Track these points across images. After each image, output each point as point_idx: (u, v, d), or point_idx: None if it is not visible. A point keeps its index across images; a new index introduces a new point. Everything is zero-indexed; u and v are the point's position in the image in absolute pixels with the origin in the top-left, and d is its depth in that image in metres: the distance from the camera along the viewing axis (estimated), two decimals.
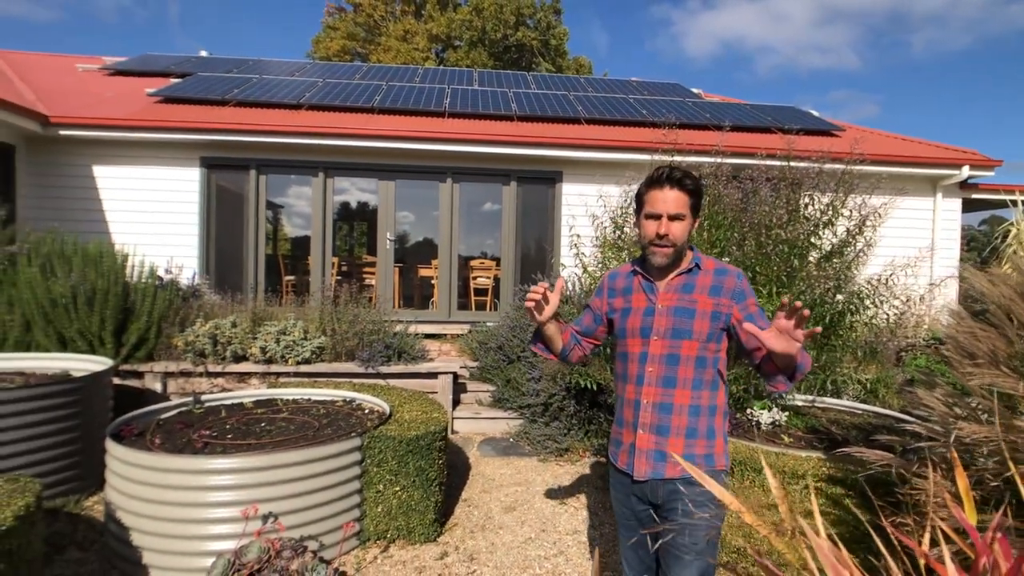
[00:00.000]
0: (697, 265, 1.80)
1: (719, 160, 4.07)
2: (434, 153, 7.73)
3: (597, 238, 4.24)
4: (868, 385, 4.24)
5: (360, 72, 10.91)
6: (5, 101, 6.51)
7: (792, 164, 3.69)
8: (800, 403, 4.18)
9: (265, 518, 2.79)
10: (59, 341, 4.67)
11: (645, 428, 1.76)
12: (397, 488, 3.18)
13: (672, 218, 1.70)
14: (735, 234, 3.46)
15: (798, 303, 1.50)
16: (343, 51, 27.68)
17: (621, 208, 4.16)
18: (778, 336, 1.51)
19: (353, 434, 3.18)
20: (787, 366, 1.60)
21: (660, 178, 1.72)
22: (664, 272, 1.80)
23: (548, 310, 1.80)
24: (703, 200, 3.99)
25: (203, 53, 11.91)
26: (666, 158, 4.04)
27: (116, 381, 4.87)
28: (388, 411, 3.66)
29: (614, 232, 4.18)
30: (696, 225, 1.80)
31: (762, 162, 3.93)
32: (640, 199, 1.79)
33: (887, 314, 3.38)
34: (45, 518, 3.33)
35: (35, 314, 4.58)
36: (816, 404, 4.22)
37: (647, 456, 1.75)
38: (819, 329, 1.52)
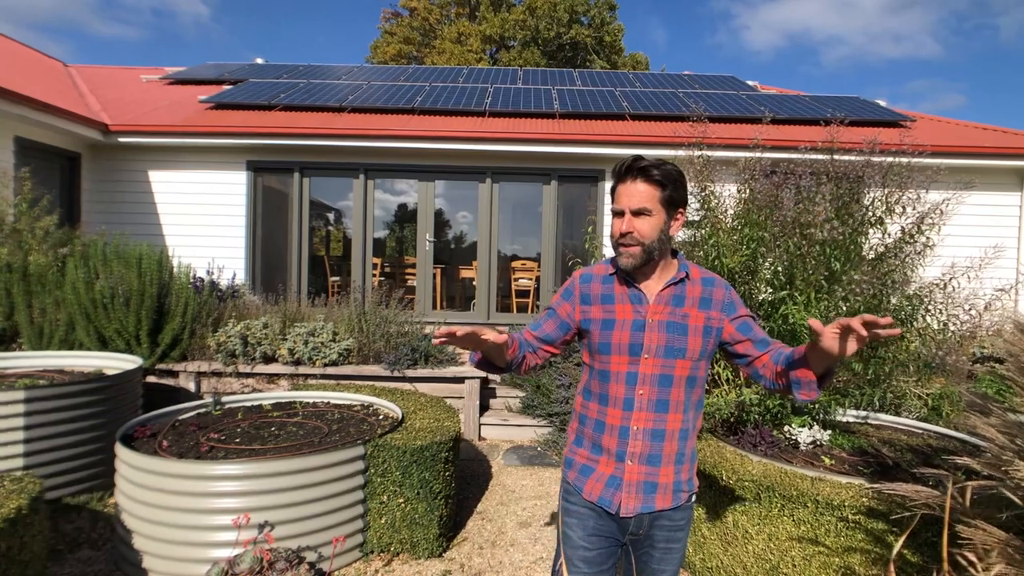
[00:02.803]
0: (687, 274, 1.60)
1: (759, 155, 3.75)
2: (473, 153, 7.63)
3: None
4: (930, 401, 3.80)
5: (405, 74, 10.97)
6: (69, 111, 6.88)
7: (836, 157, 3.33)
8: (851, 419, 3.80)
9: (261, 527, 2.73)
10: (99, 340, 4.84)
11: (635, 459, 1.57)
12: (401, 500, 3.07)
13: (636, 214, 1.50)
14: (767, 233, 3.15)
15: (889, 319, 1.22)
16: (399, 55, 28.19)
17: None
18: (838, 337, 1.31)
19: (357, 442, 3.08)
20: (826, 368, 1.42)
21: (623, 170, 1.52)
22: (650, 279, 1.59)
23: (480, 337, 1.44)
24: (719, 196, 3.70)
25: (259, 60, 12.30)
26: (695, 153, 3.74)
27: (152, 380, 5.02)
28: (400, 417, 3.55)
29: None
30: (680, 223, 1.58)
31: (806, 156, 3.57)
32: (612, 196, 1.59)
33: (945, 323, 2.98)
34: (67, 514, 3.44)
35: (77, 314, 4.76)
36: (869, 421, 3.82)
37: (636, 489, 1.57)
38: (899, 331, 1.25)
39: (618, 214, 1.54)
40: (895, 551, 1.16)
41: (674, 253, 1.65)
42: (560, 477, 1.75)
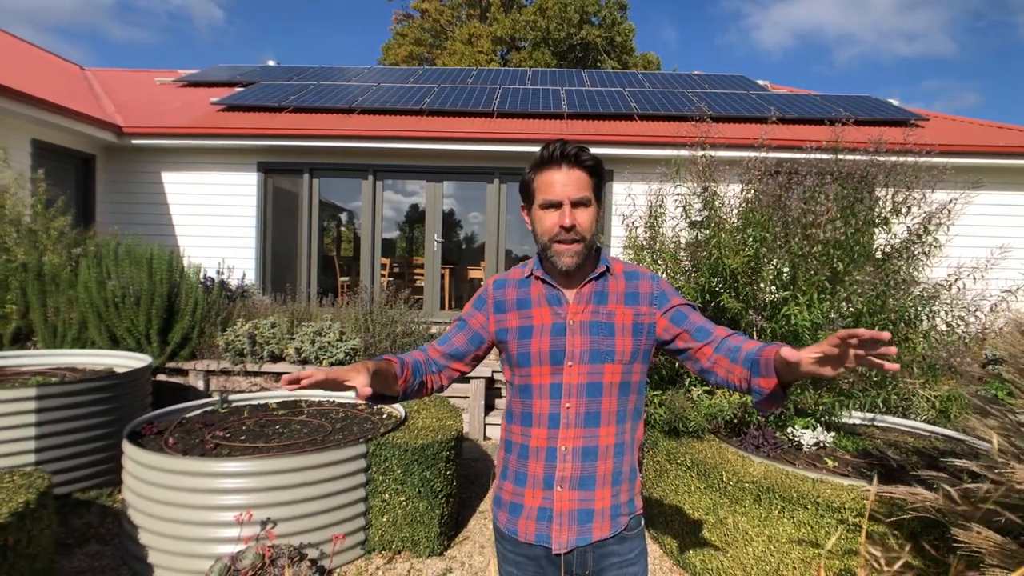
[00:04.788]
0: (608, 268, 1.43)
1: (764, 154, 3.73)
2: (480, 154, 7.66)
3: (629, 238, 3.99)
4: (938, 403, 3.76)
5: (414, 75, 11.03)
6: (83, 114, 7.00)
7: (842, 156, 3.31)
8: (857, 421, 3.77)
9: (263, 524, 2.76)
10: (111, 339, 4.92)
11: (565, 484, 1.36)
12: (402, 498, 3.09)
13: (576, 204, 1.33)
14: (769, 234, 3.13)
15: (886, 335, 0.96)
16: (411, 57, 28.30)
17: (652, 207, 3.88)
18: (822, 362, 1.05)
19: (359, 441, 3.11)
20: (796, 379, 1.17)
21: (553, 156, 1.34)
22: (572, 277, 1.41)
23: (343, 383, 1.15)
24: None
25: (270, 63, 12.42)
26: (699, 153, 3.73)
27: (162, 378, 5.09)
28: (403, 416, 3.58)
29: (646, 232, 3.91)
30: (601, 214, 1.44)
31: (810, 155, 3.55)
32: (528, 188, 1.40)
33: (950, 324, 2.94)
34: (77, 509, 3.50)
35: (89, 313, 4.84)
36: (875, 423, 3.79)
37: (570, 519, 1.36)
38: (893, 350, 0.97)
39: (553, 206, 1.34)
40: (828, 545, 1.16)
41: (597, 249, 1.50)
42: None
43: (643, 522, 1.47)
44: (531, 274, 1.46)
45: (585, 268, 1.42)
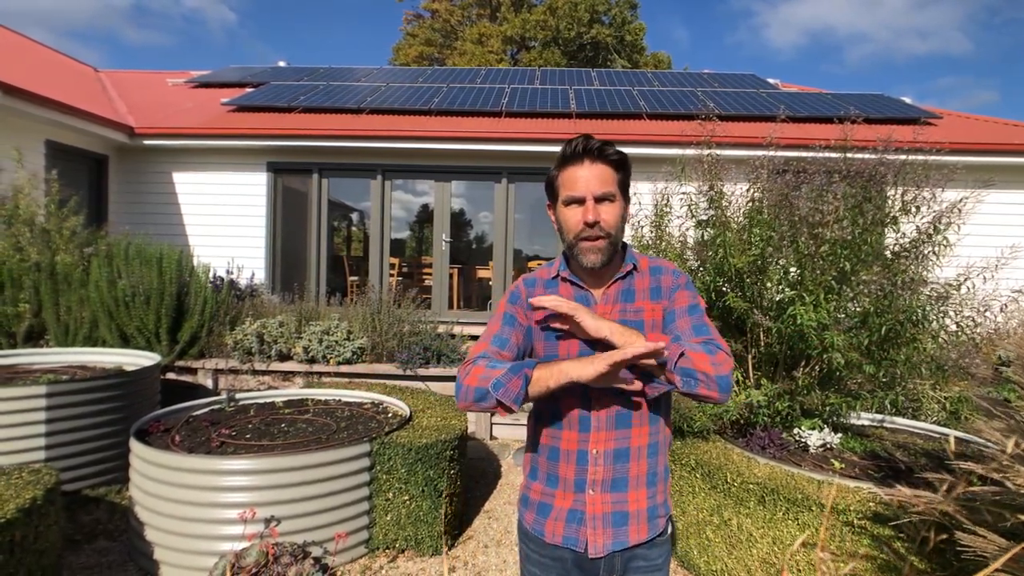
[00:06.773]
0: (635, 266, 1.41)
1: (772, 153, 3.70)
2: (488, 153, 7.66)
3: (634, 238, 3.97)
4: (948, 405, 3.70)
5: (423, 76, 11.06)
6: (96, 115, 7.08)
7: (851, 155, 3.27)
8: (866, 422, 3.72)
9: (267, 521, 2.78)
10: (121, 337, 4.98)
11: (598, 487, 1.34)
12: (406, 497, 3.09)
13: (600, 200, 1.31)
14: (775, 233, 3.10)
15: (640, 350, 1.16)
16: (421, 57, 28.37)
17: (658, 206, 3.87)
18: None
19: (363, 439, 3.12)
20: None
21: (576, 152, 1.32)
22: (599, 277, 1.39)
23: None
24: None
25: (281, 63, 12.50)
26: (705, 151, 3.70)
27: (172, 377, 5.14)
28: (408, 415, 3.59)
29: (651, 231, 3.89)
30: (628, 211, 1.42)
31: (818, 154, 3.51)
32: (552, 185, 1.38)
33: (959, 324, 2.90)
34: (86, 506, 3.54)
35: (100, 312, 4.90)
36: (884, 424, 3.74)
37: (603, 523, 1.33)
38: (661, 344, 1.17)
39: (576, 202, 1.32)
40: (795, 545, 1.14)
41: (623, 246, 1.47)
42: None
43: (671, 527, 1.46)
44: (557, 274, 1.44)
45: (612, 267, 1.39)
